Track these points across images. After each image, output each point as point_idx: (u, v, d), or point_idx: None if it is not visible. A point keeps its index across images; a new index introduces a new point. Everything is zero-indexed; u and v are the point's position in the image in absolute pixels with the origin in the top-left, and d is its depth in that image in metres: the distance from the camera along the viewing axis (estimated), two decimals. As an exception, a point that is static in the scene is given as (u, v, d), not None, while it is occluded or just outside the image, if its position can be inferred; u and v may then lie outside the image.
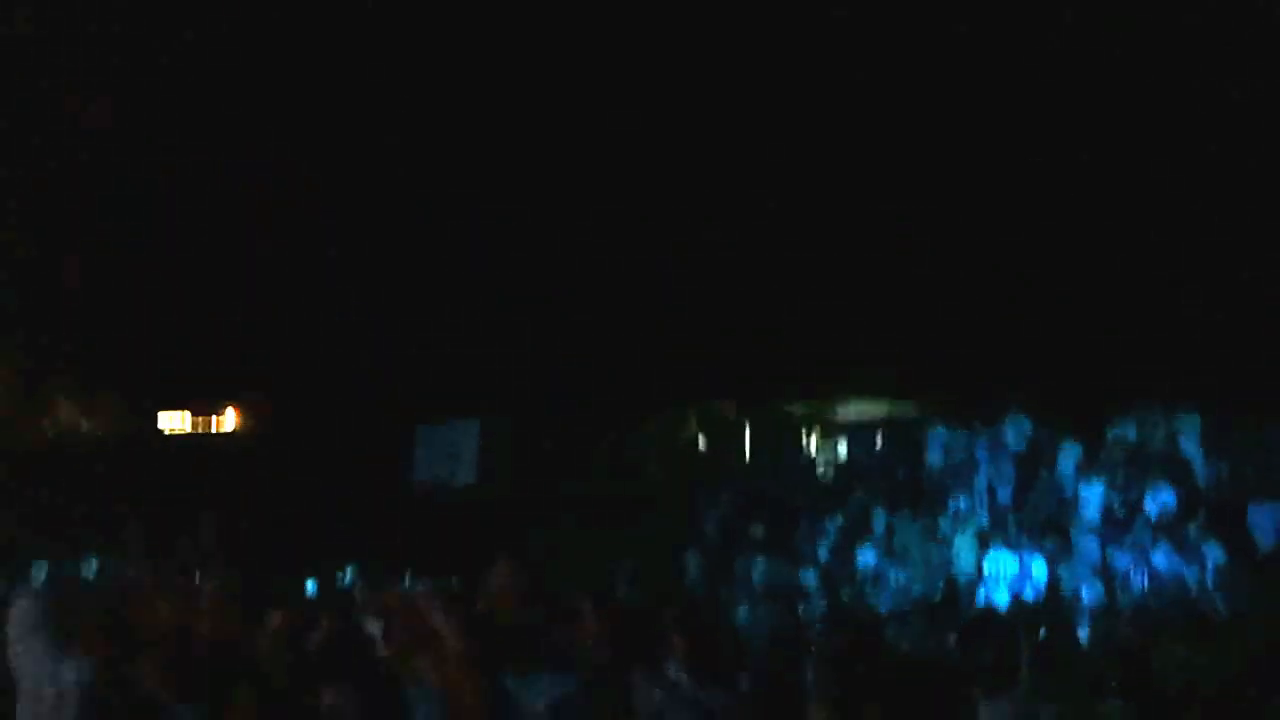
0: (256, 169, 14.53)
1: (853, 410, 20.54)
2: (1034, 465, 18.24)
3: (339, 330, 18.19)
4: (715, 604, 10.97)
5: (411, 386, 20.20)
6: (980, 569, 17.10)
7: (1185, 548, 15.53)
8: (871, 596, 16.45)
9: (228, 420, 23.33)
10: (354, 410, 21.01)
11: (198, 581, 6.66)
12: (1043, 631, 11.21)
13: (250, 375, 20.81)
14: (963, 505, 18.34)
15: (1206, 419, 16.77)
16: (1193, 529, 15.78)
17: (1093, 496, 17.03)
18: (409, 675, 5.65)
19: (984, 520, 17.91)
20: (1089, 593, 15.82)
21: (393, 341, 18.54)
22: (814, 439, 21.05)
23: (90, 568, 15.11)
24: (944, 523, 18.18)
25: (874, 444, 20.52)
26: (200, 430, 23.44)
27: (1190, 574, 15.28)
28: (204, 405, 23.13)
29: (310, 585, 13.50)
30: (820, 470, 21.02)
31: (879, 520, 18.89)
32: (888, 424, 20.38)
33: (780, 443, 21.08)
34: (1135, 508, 16.54)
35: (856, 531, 19.00)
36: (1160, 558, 15.58)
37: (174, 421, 23.32)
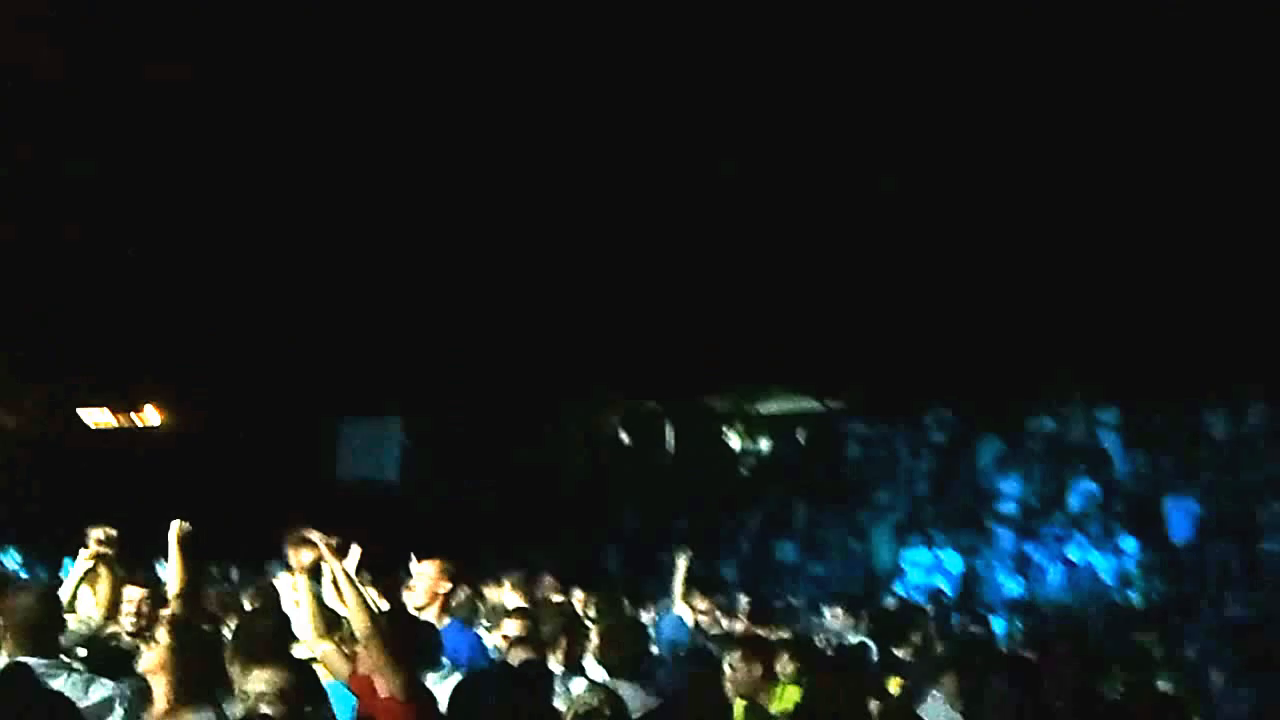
0: (175, 162, 14.22)
1: (774, 406, 20.61)
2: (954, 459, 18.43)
3: (263, 325, 17.90)
4: (635, 600, 10.88)
5: (333, 383, 19.98)
6: (899, 562, 17.26)
7: (1102, 541, 15.76)
8: (792, 589, 16.48)
9: (150, 416, 22.92)
10: (276, 407, 20.77)
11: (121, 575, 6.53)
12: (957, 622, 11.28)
13: (174, 371, 20.46)
14: (883, 499, 18.50)
15: (1125, 413, 17.01)
16: (1110, 522, 16.01)
17: (1011, 490, 17.23)
18: (323, 665, 5.56)
19: (904, 514, 18.07)
20: (1006, 585, 16.02)
21: (315, 338, 18.28)
22: (735, 435, 21.10)
23: (12, 562, 14.83)
24: (864, 516, 18.32)
25: (795, 439, 20.63)
26: (122, 426, 23.02)
27: (1107, 566, 15.49)
28: (125, 401, 22.71)
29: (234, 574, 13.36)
30: (741, 466, 21.10)
31: (800, 514, 19.03)
32: (808, 419, 20.51)
33: (703, 439, 21.14)
34: (1054, 501, 16.75)
35: (777, 525, 19.12)
36: (1076, 550, 15.79)
37: (95, 417, 22.88)
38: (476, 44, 11.67)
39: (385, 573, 8.37)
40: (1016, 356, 15.58)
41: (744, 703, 6.02)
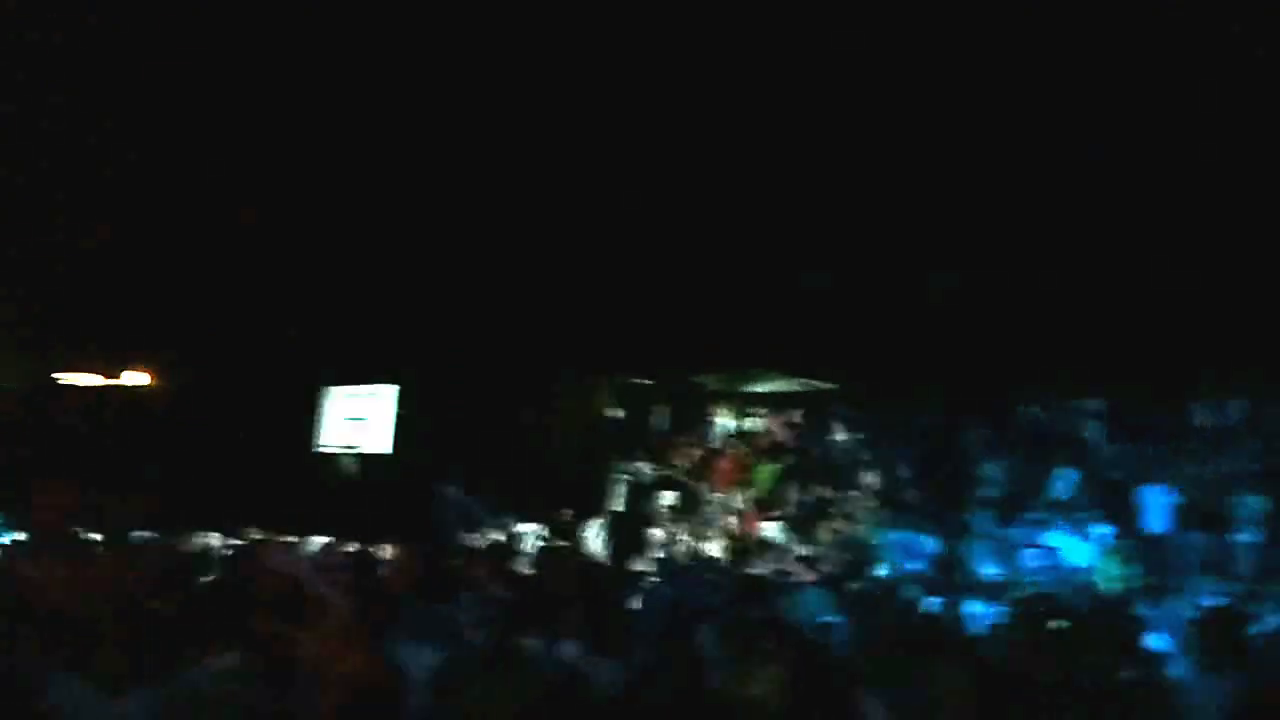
0: (164, 129, 14.22)
1: (761, 387, 20.66)
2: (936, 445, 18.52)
3: (251, 290, 17.92)
4: (614, 575, 10.97)
5: (321, 350, 20.01)
6: (880, 545, 17.36)
7: (1079, 529, 15.88)
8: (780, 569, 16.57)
9: (135, 378, 22.90)
10: (263, 372, 20.78)
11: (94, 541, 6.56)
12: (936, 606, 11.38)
13: (160, 333, 20.46)
14: (868, 481, 18.59)
15: (1107, 404, 17.11)
16: (1086, 511, 16.13)
17: (993, 477, 17.34)
18: (286, 642, 5.53)
19: (888, 498, 18.18)
20: (984, 568, 16.14)
21: (305, 305, 18.30)
22: (723, 414, 21.16)
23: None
24: (849, 499, 18.42)
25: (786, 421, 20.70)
26: (108, 386, 23.02)
27: (1081, 554, 15.62)
28: (111, 363, 22.70)
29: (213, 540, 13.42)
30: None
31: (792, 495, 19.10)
32: (797, 400, 20.57)
33: (690, 417, 21.19)
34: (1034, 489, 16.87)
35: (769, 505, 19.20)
36: (1055, 538, 15.92)
37: (81, 379, 22.88)
38: (475, 29, 11.71)
39: (367, 547, 8.46)
40: (1003, 348, 15.67)
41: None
